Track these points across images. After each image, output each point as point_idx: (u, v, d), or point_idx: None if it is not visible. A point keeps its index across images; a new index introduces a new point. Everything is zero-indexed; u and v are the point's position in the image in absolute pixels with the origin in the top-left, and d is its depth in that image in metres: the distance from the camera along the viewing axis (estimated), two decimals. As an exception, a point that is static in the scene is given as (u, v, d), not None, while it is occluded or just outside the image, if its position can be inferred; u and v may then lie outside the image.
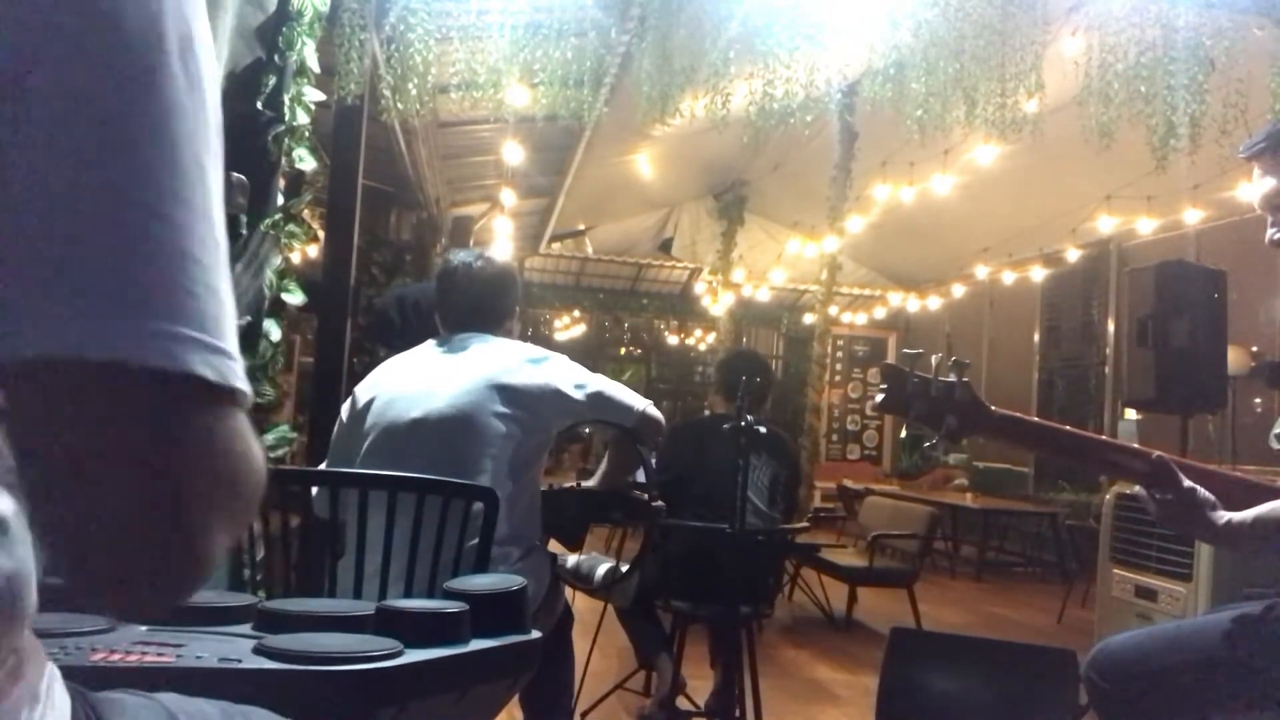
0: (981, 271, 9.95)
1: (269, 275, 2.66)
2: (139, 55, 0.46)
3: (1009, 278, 9.89)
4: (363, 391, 2.13)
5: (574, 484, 2.43)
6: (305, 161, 2.82)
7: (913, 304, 11.83)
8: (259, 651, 1.10)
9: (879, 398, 1.48)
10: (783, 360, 13.14)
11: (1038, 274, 9.61)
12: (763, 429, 2.79)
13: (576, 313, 13.80)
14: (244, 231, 2.53)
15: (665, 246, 12.07)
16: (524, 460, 2.02)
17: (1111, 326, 8.85)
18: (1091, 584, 4.51)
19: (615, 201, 10.51)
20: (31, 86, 0.43)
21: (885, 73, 4.84)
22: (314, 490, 1.91)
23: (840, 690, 4.09)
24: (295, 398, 5.25)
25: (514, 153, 6.46)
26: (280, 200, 2.74)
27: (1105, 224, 7.70)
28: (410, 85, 4.11)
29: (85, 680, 0.64)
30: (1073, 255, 8.76)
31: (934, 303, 11.45)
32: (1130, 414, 6.52)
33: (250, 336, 2.52)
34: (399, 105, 4.16)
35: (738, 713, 2.84)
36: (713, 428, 3.31)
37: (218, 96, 0.51)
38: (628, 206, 10.97)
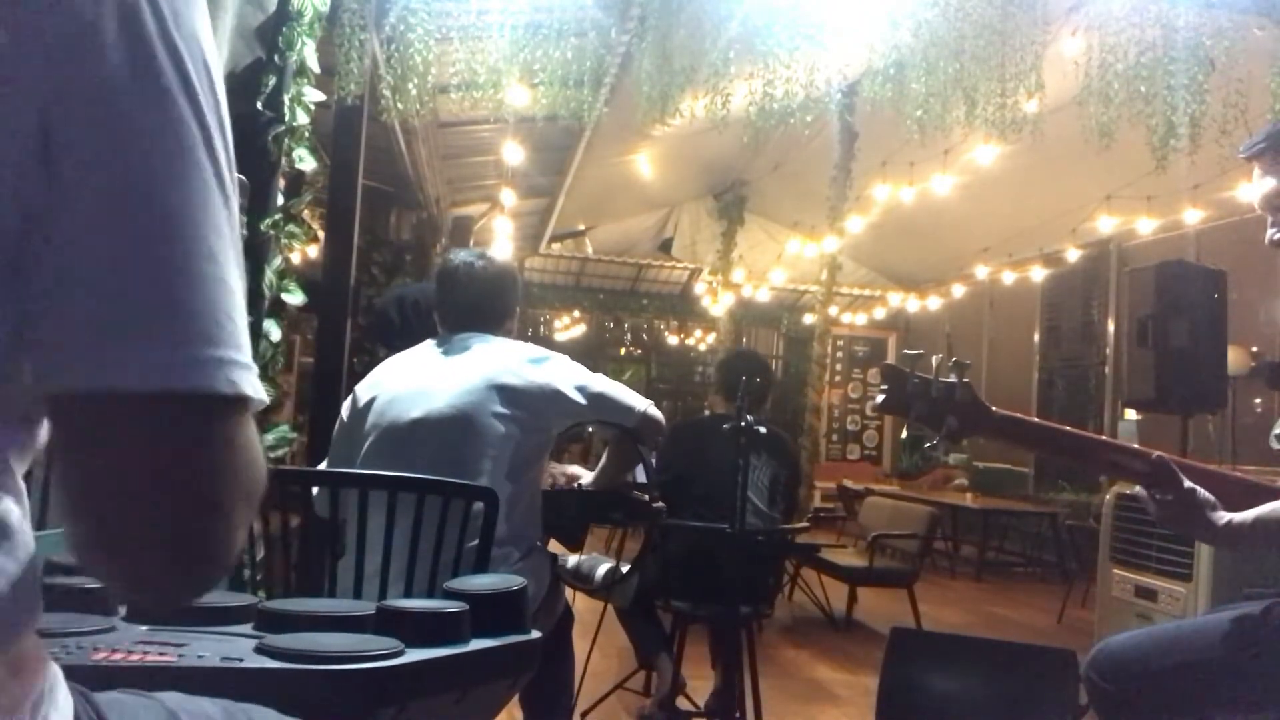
0: (981, 271, 9.95)
1: (269, 275, 2.66)
2: (171, 97, 0.51)
3: (1009, 278, 9.89)
4: (363, 391, 2.13)
5: (573, 483, 2.43)
6: (305, 161, 2.82)
7: (913, 304, 11.83)
8: (260, 651, 1.10)
9: (879, 398, 1.48)
10: (783, 360, 13.13)
11: (1038, 274, 9.61)
12: (763, 429, 2.79)
13: (576, 313, 13.79)
14: (244, 231, 2.53)
15: (665, 246, 12.06)
16: (524, 461, 2.02)
17: (1111, 326, 8.85)
18: (1091, 584, 4.51)
19: (615, 201, 10.51)
20: (63, 138, 0.49)
21: (885, 73, 4.84)
22: (314, 490, 1.91)
23: (840, 690, 4.09)
24: (295, 398, 5.26)
25: (514, 153, 6.46)
26: (280, 200, 2.74)
27: (1105, 224, 7.70)
28: (410, 85, 4.11)
29: (87, 680, 0.64)
30: (1073, 255, 8.76)
31: (934, 303, 11.46)
32: (1130, 414, 6.52)
33: (250, 336, 2.52)
34: (399, 105, 4.16)
35: (738, 713, 2.84)
36: (713, 428, 3.31)
37: (228, 119, 0.55)
38: (628, 206, 10.97)
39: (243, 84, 2.60)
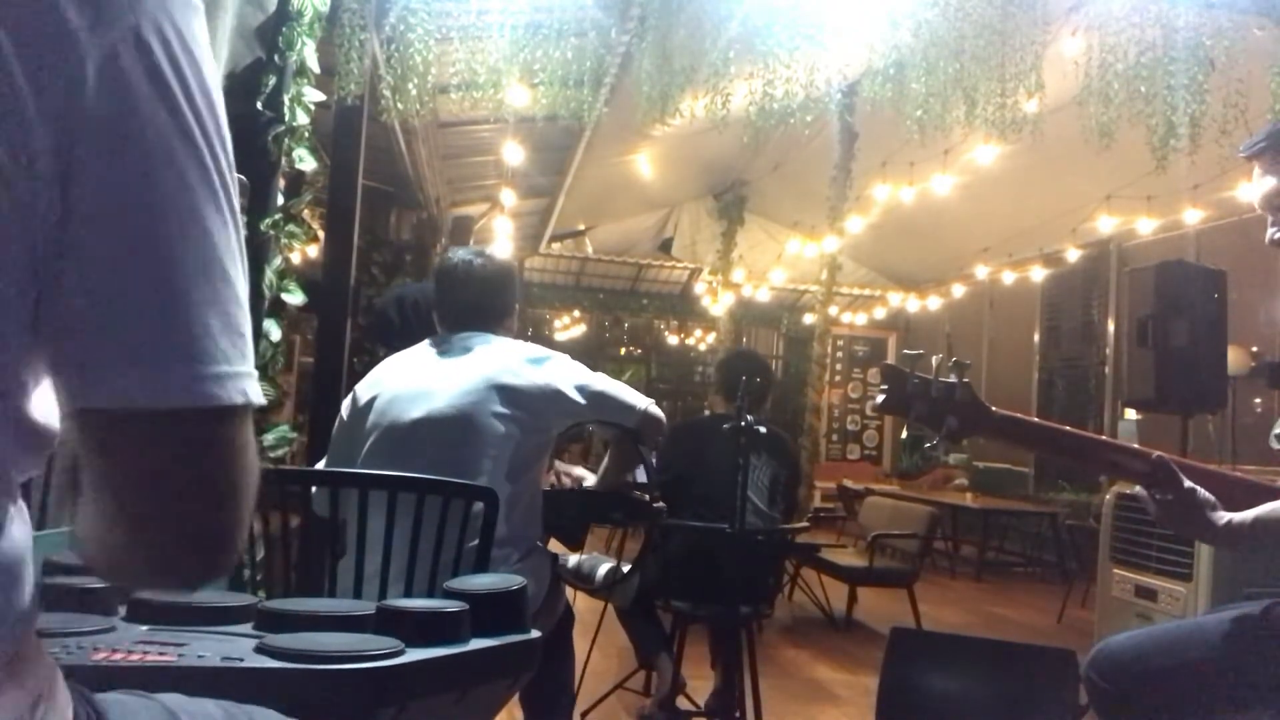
0: (981, 271, 9.95)
1: (269, 275, 2.66)
2: (183, 125, 0.55)
3: (1009, 278, 9.88)
4: (363, 390, 2.12)
5: (578, 484, 2.43)
6: (305, 161, 2.82)
7: (913, 304, 11.83)
8: (260, 651, 1.10)
9: (879, 398, 1.48)
10: (783, 360, 13.13)
11: (1038, 274, 9.61)
12: (763, 429, 2.80)
13: (576, 313, 13.79)
14: (244, 231, 2.53)
15: (665, 246, 12.06)
16: (524, 461, 2.02)
17: (1111, 326, 8.85)
18: (1091, 584, 4.51)
19: (615, 201, 10.51)
20: (80, 165, 0.52)
21: (885, 73, 4.84)
22: (314, 490, 1.91)
23: (840, 690, 4.09)
24: (295, 398, 5.25)
25: (514, 153, 6.46)
26: (280, 200, 2.74)
27: (1105, 224, 7.70)
28: (410, 85, 4.10)
29: (87, 680, 0.64)
30: (1073, 255, 8.75)
31: (934, 303, 11.45)
32: (1130, 414, 6.52)
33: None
34: (399, 105, 4.16)
35: (738, 713, 2.84)
36: (713, 428, 3.31)
37: (228, 135, 0.59)
38: (628, 206, 10.97)
39: (243, 84, 2.60)
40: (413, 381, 2.06)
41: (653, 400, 2.21)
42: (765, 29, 4.51)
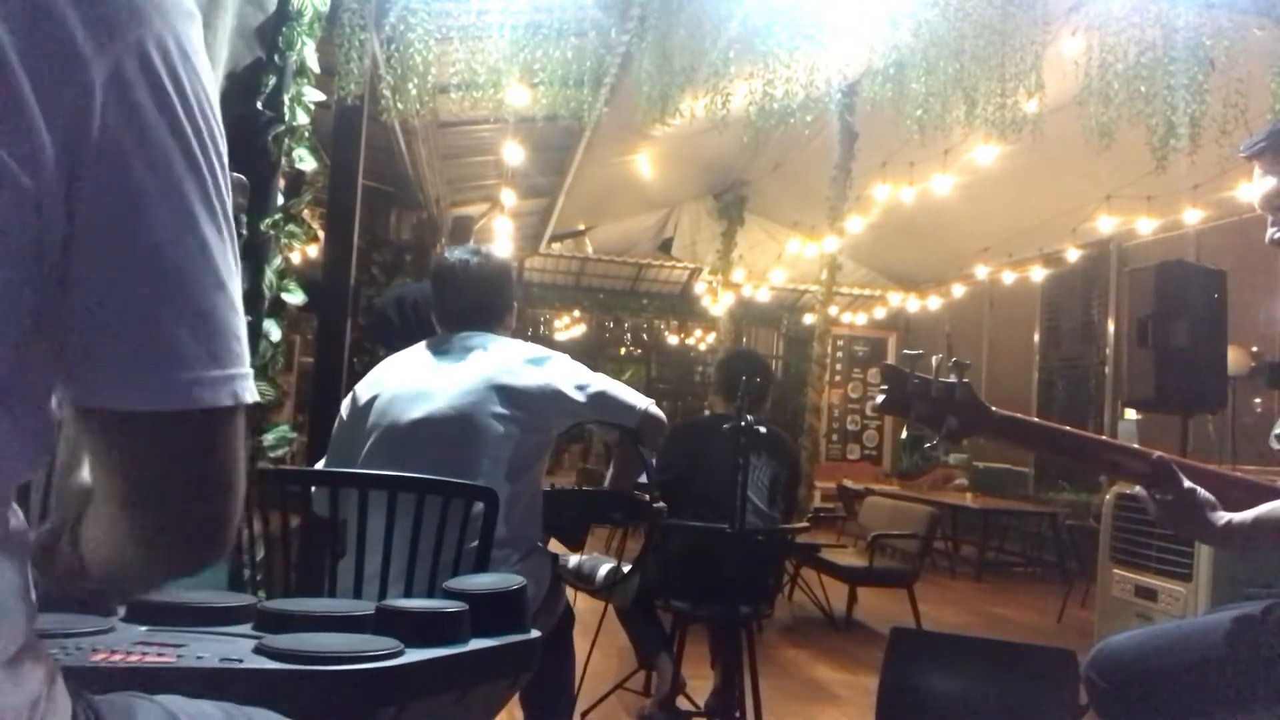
0: (981, 271, 9.95)
1: (269, 275, 2.66)
2: (185, 140, 0.57)
3: (1009, 278, 9.88)
4: (363, 390, 2.12)
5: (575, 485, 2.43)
6: (305, 161, 2.82)
7: (913, 304, 11.83)
8: (259, 651, 1.09)
9: (879, 398, 1.48)
10: (783, 360, 13.13)
11: (1038, 274, 9.61)
12: (763, 429, 2.80)
13: (576, 313, 13.79)
14: (244, 231, 2.53)
15: (665, 246, 12.06)
16: (523, 461, 2.01)
17: (1111, 326, 8.84)
18: (1091, 584, 4.51)
19: (615, 201, 10.50)
20: (87, 177, 0.54)
21: (885, 73, 4.84)
22: (314, 490, 1.91)
23: (840, 690, 4.09)
24: (295, 398, 5.25)
25: (514, 153, 6.45)
26: (280, 200, 2.74)
27: (1105, 224, 7.70)
28: (410, 85, 4.10)
29: (85, 681, 0.64)
30: (1073, 255, 8.75)
31: (934, 303, 11.45)
32: (1130, 414, 6.52)
33: (250, 336, 2.52)
34: (399, 105, 4.16)
35: (738, 713, 2.84)
36: (713, 428, 3.31)
37: (224, 144, 0.61)
38: (628, 206, 10.96)
39: (243, 84, 2.60)
40: (412, 382, 2.06)
41: (653, 400, 2.21)
42: (765, 29, 4.51)
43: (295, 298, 2.80)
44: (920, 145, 5.19)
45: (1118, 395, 8.40)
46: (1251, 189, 1.64)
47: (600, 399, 2.08)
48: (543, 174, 7.91)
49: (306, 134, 2.84)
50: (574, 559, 2.44)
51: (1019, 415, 1.53)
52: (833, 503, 9.01)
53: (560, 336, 13.68)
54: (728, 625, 3.09)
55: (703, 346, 13.93)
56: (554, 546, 2.28)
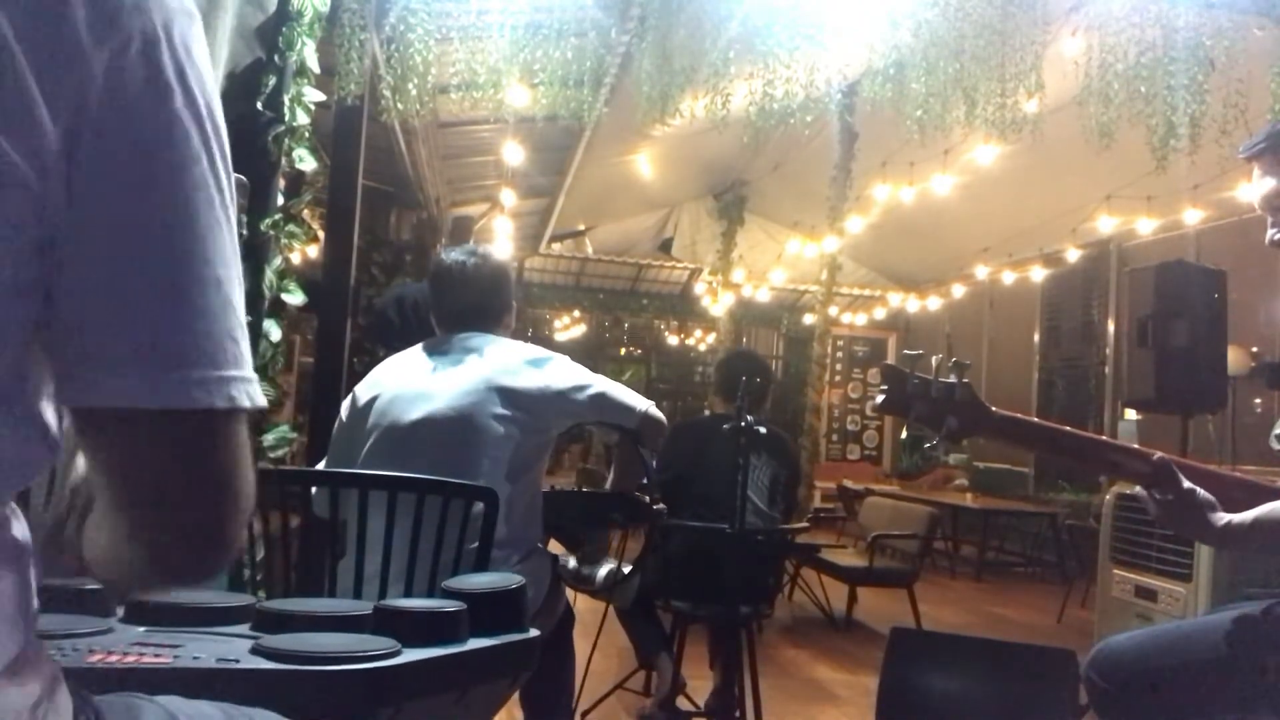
0: (981, 271, 9.95)
1: (269, 275, 2.66)
2: (185, 131, 0.56)
3: (1009, 278, 9.88)
4: (363, 390, 2.12)
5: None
6: (305, 161, 2.82)
7: (913, 304, 11.83)
8: (256, 652, 1.09)
9: (879, 399, 1.48)
10: (783, 360, 13.13)
11: (1038, 274, 9.61)
12: (763, 429, 2.79)
13: (576, 313, 13.79)
14: (244, 232, 2.53)
15: (665, 246, 12.06)
16: (523, 462, 2.01)
17: (1111, 326, 8.84)
18: (1091, 584, 4.51)
19: (615, 201, 10.50)
20: (84, 165, 0.53)
21: (885, 73, 4.84)
22: (314, 490, 1.91)
23: (840, 690, 4.09)
24: (295, 398, 5.25)
25: (514, 153, 6.45)
26: (280, 200, 2.74)
27: (1105, 224, 7.70)
28: (410, 85, 4.10)
29: (83, 681, 0.64)
30: (1073, 255, 8.75)
31: (934, 303, 11.45)
32: (1130, 414, 6.52)
33: (250, 336, 2.52)
34: (399, 105, 4.16)
35: (738, 713, 2.84)
36: (713, 428, 3.31)
37: (227, 141, 0.60)
38: (628, 206, 10.96)
39: (243, 84, 2.60)
40: (412, 382, 2.06)
41: (653, 402, 2.21)
42: (765, 29, 4.51)
43: (295, 298, 2.80)
44: (920, 145, 5.19)
45: (1118, 395, 8.40)
46: (1251, 189, 1.64)
47: (600, 400, 2.08)
48: (543, 174, 7.91)
49: (306, 134, 2.84)
50: (573, 560, 2.44)
51: (1019, 415, 1.53)
52: (833, 503, 9.01)
53: (560, 337, 13.68)
54: (728, 625, 3.09)
55: (703, 347, 13.94)
56: (554, 547, 2.28)
